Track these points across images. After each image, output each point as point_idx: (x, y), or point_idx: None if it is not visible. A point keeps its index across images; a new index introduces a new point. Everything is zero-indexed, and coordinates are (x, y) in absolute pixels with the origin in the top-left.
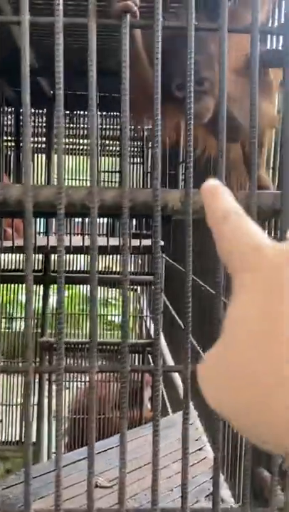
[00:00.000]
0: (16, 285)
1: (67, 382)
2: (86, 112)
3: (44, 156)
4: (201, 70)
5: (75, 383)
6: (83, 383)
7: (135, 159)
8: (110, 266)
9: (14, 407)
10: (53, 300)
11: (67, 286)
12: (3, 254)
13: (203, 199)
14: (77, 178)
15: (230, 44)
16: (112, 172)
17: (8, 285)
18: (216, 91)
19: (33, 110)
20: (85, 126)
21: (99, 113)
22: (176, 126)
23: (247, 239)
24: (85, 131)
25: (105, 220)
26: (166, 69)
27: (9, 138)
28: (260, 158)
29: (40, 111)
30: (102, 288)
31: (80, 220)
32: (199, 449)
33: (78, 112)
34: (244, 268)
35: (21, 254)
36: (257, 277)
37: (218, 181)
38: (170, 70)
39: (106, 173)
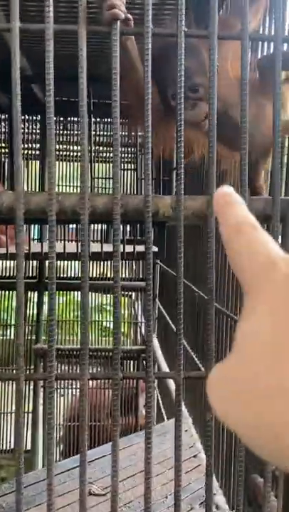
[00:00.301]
0: (10, 292)
1: (62, 390)
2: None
3: (38, 162)
4: (194, 77)
5: (69, 390)
6: (78, 390)
7: (129, 165)
8: (105, 272)
9: (8, 414)
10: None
11: (62, 292)
12: None
13: (214, 207)
14: (72, 184)
15: (235, 52)
16: (105, 178)
17: (2, 292)
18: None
19: (27, 117)
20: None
21: (93, 119)
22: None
23: (260, 252)
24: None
25: (99, 226)
26: (164, 78)
27: (3, 144)
28: (264, 164)
29: (35, 117)
30: (97, 294)
31: (75, 226)
32: (194, 456)
33: (72, 118)
34: (257, 281)
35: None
36: (270, 291)
37: (231, 188)
38: (166, 80)
39: (100, 180)
